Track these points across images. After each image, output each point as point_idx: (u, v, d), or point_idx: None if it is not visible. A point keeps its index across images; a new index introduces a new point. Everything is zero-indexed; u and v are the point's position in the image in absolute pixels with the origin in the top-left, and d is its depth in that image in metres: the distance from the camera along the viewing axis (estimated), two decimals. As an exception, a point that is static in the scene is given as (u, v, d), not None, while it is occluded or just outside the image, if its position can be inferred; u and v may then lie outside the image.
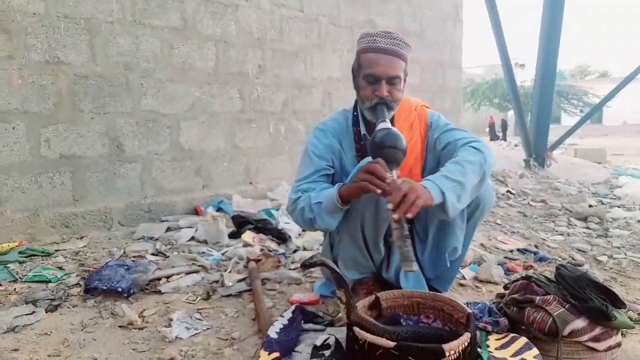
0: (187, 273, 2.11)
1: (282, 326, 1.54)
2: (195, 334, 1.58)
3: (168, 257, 2.32)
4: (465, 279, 2.12)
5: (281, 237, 2.69)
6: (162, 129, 3.14)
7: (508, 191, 4.63)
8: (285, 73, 3.85)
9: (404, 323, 1.44)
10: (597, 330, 1.38)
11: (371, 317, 1.37)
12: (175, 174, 3.22)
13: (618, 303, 1.47)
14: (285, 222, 2.86)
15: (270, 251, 2.46)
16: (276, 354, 1.34)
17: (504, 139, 15.79)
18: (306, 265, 1.23)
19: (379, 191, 1.36)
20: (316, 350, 1.34)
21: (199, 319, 1.69)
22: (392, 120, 1.67)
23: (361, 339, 1.18)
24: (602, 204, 4.43)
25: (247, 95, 3.60)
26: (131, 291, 1.85)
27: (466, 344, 1.16)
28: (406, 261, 1.31)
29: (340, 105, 2.55)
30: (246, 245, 2.53)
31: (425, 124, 1.72)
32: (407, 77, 1.65)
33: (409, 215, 1.30)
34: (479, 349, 1.28)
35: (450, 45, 5.66)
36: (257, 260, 2.24)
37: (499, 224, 3.34)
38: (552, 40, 6.12)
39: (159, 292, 1.92)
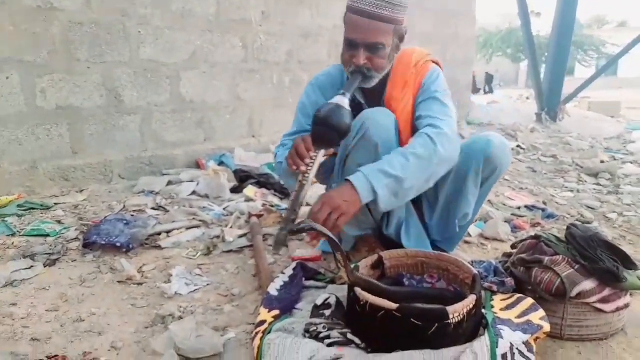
0: (188, 228, 2.08)
1: (282, 283, 1.52)
2: (195, 289, 1.57)
3: (168, 211, 2.29)
4: (470, 236, 2.08)
5: (283, 192, 2.64)
6: (162, 79, 3.02)
7: (518, 145, 4.52)
8: (289, 20, 3.66)
9: (407, 283, 1.40)
10: (606, 292, 1.33)
11: (374, 277, 1.34)
12: (176, 125, 3.14)
13: (628, 263, 1.42)
14: (288, 177, 2.80)
15: (272, 206, 2.41)
16: (276, 311, 1.31)
17: (490, 91, 15.19)
18: (294, 231, 1.18)
19: (294, 167, 1.33)
20: (316, 309, 1.31)
21: (198, 275, 1.67)
22: (387, 75, 1.55)
23: (362, 299, 1.14)
24: (614, 159, 4.32)
25: (250, 43, 3.45)
26: (130, 246, 1.82)
27: (471, 306, 1.12)
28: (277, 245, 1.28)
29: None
30: (248, 200, 2.49)
31: (419, 83, 1.56)
32: (405, 36, 1.50)
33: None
34: (483, 310, 1.24)
35: (464, -8, 5.37)
36: (259, 216, 2.20)
37: (506, 180, 3.26)
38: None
39: (159, 247, 1.89)
